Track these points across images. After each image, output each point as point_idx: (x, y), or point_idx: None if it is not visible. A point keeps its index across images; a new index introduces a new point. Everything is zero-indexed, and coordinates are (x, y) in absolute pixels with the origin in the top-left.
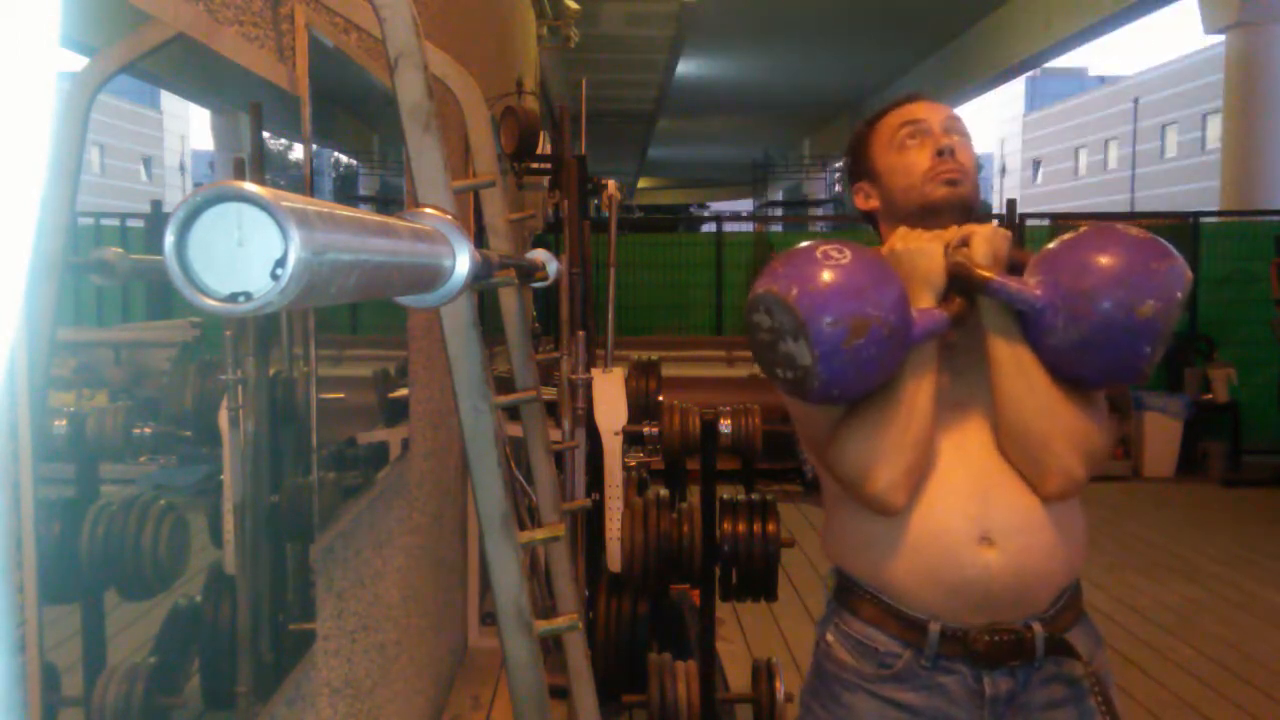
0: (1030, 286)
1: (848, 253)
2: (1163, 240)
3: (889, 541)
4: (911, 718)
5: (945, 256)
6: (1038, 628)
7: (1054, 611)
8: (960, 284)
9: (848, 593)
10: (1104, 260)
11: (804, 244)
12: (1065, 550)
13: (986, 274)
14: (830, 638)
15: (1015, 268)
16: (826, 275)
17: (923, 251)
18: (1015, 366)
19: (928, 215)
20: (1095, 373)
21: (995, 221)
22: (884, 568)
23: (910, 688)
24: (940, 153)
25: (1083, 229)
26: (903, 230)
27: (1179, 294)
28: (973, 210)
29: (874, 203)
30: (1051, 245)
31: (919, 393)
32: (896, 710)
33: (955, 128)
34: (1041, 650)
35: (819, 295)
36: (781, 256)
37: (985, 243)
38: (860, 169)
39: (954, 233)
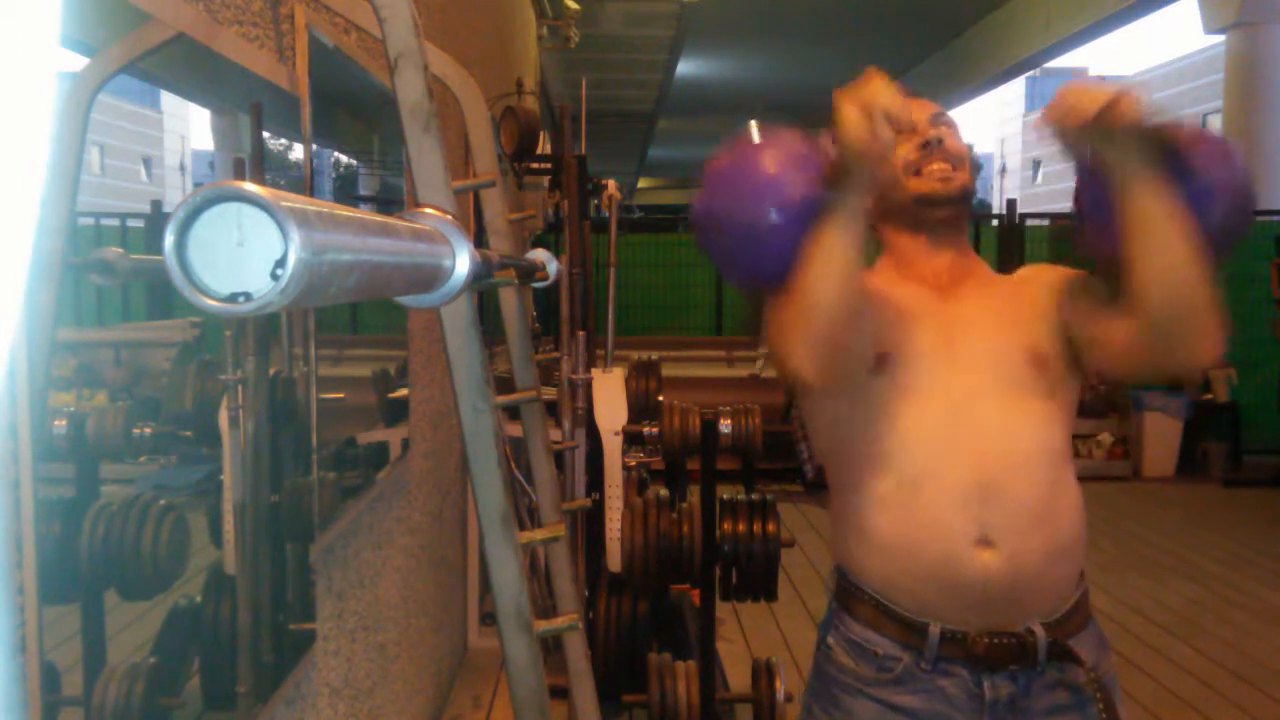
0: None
1: (723, 151)
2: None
3: (888, 540)
4: None
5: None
6: (1039, 630)
7: (1059, 616)
8: (1136, 140)
9: (847, 594)
10: (1233, 160)
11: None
12: (1065, 550)
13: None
14: (830, 641)
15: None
16: (703, 177)
17: (843, 131)
18: (1180, 231)
19: (920, 209)
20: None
21: (995, 221)
22: (882, 566)
23: (910, 691)
24: (926, 144)
25: (1197, 130)
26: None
27: None
28: (968, 202)
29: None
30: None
31: (816, 270)
32: (896, 714)
33: (942, 120)
34: (1043, 655)
35: (700, 201)
36: None
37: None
38: None
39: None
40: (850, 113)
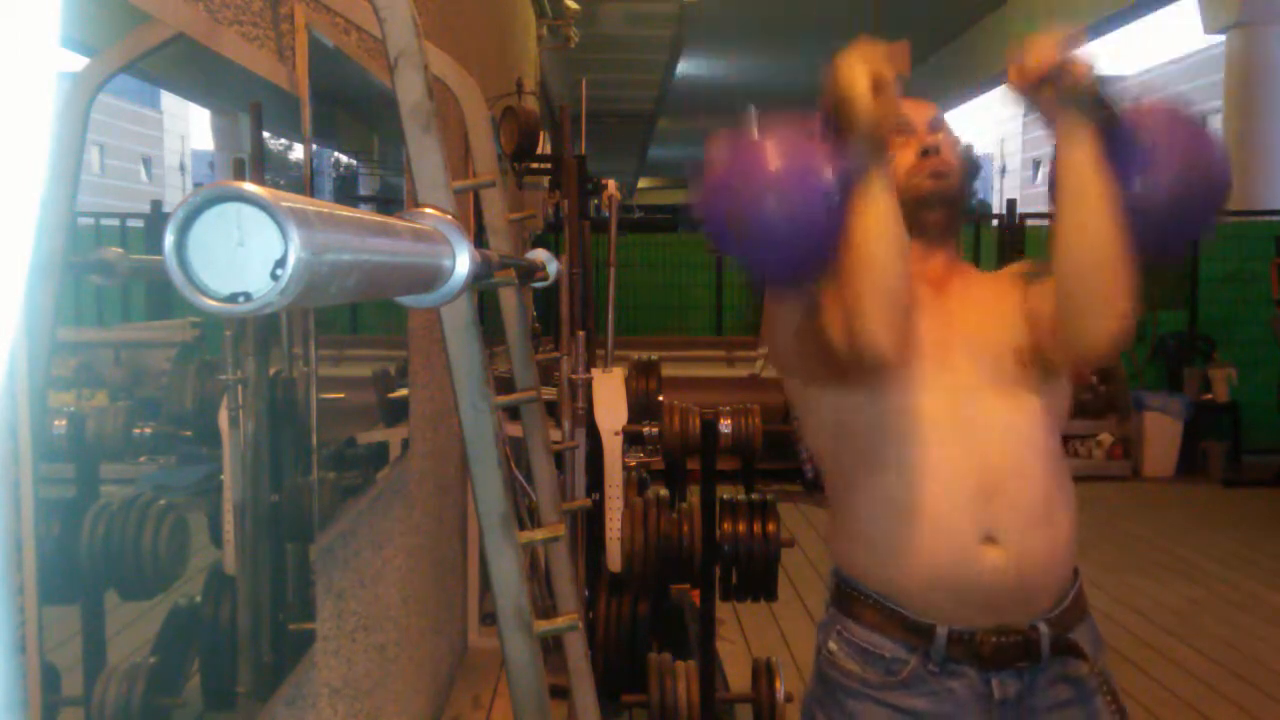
0: (1142, 126)
1: (727, 150)
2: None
3: (892, 542)
4: None
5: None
6: (1044, 628)
7: (1059, 611)
8: (1073, 103)
9: (849, 598)
10: (1208, 139)
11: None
12: (1064, 546)
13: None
14: (833, 645)
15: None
16: (709, 182)
17: (847, 100)
18: (1100, 192)
19: (917, 209)
20: (1155, 236)
21: (995, 221)
22: (887, 569)
23: (918, 693)
24: (925, 152)
25: (1166, 107)
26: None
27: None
28: (960, 205)
29: None
30: (1148, 104)
31: (866, 240)
32: (905, 717)
33: (938, 125)
34: (1048, 651)
35: (704, 203)
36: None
37: (1087, 68)
38: None
39: (899, 56)
40: (861, 79)
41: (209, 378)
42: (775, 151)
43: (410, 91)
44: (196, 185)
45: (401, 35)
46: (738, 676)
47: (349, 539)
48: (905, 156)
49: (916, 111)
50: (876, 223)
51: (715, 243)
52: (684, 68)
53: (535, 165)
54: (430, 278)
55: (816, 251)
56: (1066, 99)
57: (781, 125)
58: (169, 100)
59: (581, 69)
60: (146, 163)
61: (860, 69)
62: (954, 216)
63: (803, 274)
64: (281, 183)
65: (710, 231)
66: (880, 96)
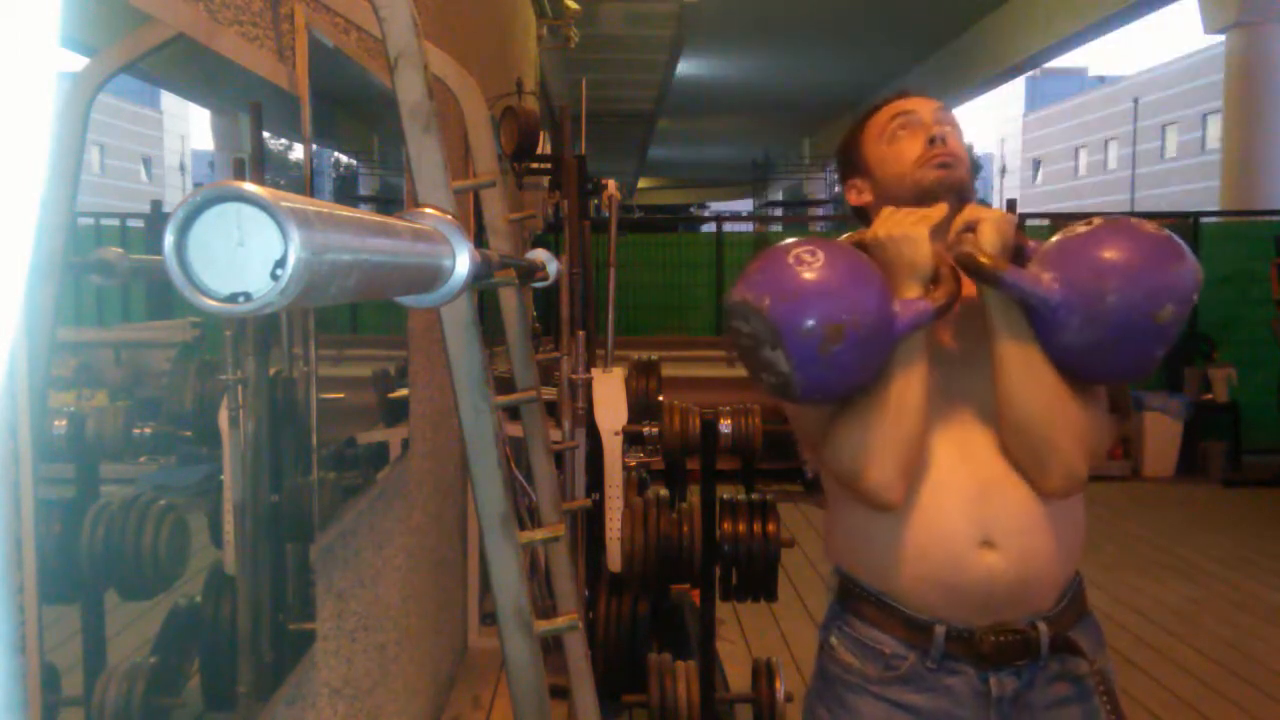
0: (1044, 282)
1: (820, 255)
2: (1176, 237)
3: (890, 544)
4: (917, 719)
5: (932, 242)
6: (1043, 627)
7: (1057, 610)
8: (968, 273)
9: (850, 595)
10: (1122, 262)
11: (778, 245)
12: (1066, 549)
13: (1000, 267)
14: (834, 640)
15: (1018, 252)
16: (798, 282)
17: (907, 239)
18: (1023, 363)
19: (922, 201)
20: (1103, 372)
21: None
22: (886, 570)
23: (916, 689)
24: (931, 140)
25: (1096, 223)
26: (887, 210)
27: (1194, 296)
28: (966, 196)
29: (867, 197)
30: (1063, 237)
31: (907, 389)
32: (902, 712)
33: (945, 118)
34: (1046, 649)
35: (791, 304)
36: (755, 261)
37: (995, 230)
38: (852, 165)
39: (939, 212)
40: (921, 226)
41: (209, 378)
42: (852, 272)
43: (410, 91)
44: (196, 185)
45: (401, 35)
46: (738, 676)
47: (349, 539)
48: (912, 146)
49: (922, 105)
50: (920, 387)
51: (739, 337)
52: (684, 68)
53: (535, 165)
54: (430, 278)
55: (850, 382)
56: (962, 267)
57: (843, 248)
58: (169, 100)
59: (581, 69)
60: (146, 163)
61: (918, 217)
62: (958, 206)
63: (829, 393)
64: (281, 183)
65: (746, 328)
66: (935, 243)
